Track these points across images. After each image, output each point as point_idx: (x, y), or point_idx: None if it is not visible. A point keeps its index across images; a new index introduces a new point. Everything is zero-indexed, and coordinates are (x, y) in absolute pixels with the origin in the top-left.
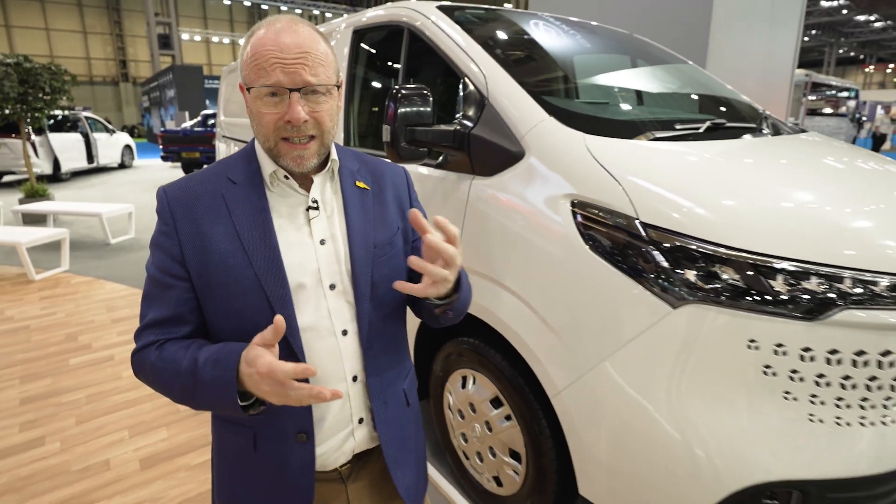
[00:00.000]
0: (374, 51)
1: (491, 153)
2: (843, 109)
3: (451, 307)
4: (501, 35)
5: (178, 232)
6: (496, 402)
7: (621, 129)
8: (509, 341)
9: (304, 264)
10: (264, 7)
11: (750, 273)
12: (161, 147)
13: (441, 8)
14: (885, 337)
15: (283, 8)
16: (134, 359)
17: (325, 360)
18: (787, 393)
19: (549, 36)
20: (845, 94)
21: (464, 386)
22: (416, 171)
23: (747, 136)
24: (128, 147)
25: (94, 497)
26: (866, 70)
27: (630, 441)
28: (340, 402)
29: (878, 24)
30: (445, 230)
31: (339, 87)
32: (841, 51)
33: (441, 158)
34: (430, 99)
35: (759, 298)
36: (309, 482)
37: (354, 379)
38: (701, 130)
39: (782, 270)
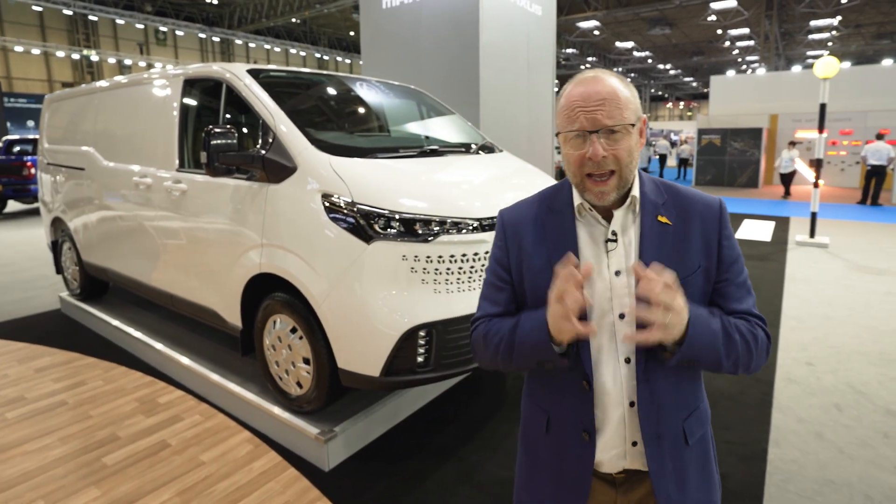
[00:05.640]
0: (201, 95)
1: (279, 169)
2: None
3: (680, 355)
4: (289, 90)
5: (507, 247)
6: (293, 330)
7: (354, 152)
8: (295, 285)
9: (599, 292)
10: (92, 18)
11: (402, 223)
12: None
13: (249, 71)
14: (467, 247)
15: (120, 21)
16: (472, 340)
17: (607, 381)
18: (423, 280)
19: (325, 90)
20: None
21: (274, 326)
22: (231, 183)
23: (449, 155)
24: None
25: None
26: (667, 106)
27: (355, 319)
28: (617, 422)
29: (672, 72)
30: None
31: (634, 125)
32: (652, 90)
33: (249, 174)
34: (235, 134)
35: (407, 234)
36: (585, 479)
37: (632, 405)
38: (416, 153)
39: (416, 220)
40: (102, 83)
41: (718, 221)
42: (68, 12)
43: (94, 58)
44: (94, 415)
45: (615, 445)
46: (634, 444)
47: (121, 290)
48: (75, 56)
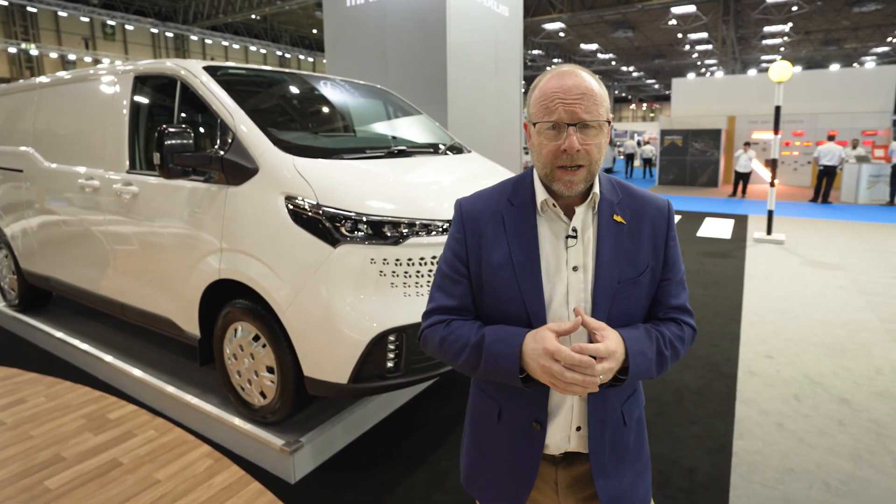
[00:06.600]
0: (153, 93)
1: (239, 170)
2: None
3: (621, 387)
4: (249, 89)
5: (466, 239)
6: (256, 338)
7: (319, 153)
8: (257, 291)
9: (556, 287)
10: (31, 9)
11: (370, 225)
12: None
13: (206, 68)
14: (437, 250)
15: (63, 14)
16: (423, 334)
17: None
18: (392, 283)
19: (288, 89)
20: None
21: (235, 334)
22: (188, 185)
23: (417, 156)
24: None
25: None
26: (631, 107)
27: (322, 325)
28: (566, 411)
29: (636, 74)
30: (586, 325)
31: (608, 123)
32: (616, 92)
33: (206, 176)
34: (191, 134)
35: (374, 237)
36: (533, 467)
37: None
38: (383, 154)
39: (384, 222)
40: (42, 79)
41: (666, 223)
42: (3, 2)
43: (34, 52)
44: (36, 434)
45: (562, 430)
46: (578, 428)
47: (65, 300)
48: (12, 50)
